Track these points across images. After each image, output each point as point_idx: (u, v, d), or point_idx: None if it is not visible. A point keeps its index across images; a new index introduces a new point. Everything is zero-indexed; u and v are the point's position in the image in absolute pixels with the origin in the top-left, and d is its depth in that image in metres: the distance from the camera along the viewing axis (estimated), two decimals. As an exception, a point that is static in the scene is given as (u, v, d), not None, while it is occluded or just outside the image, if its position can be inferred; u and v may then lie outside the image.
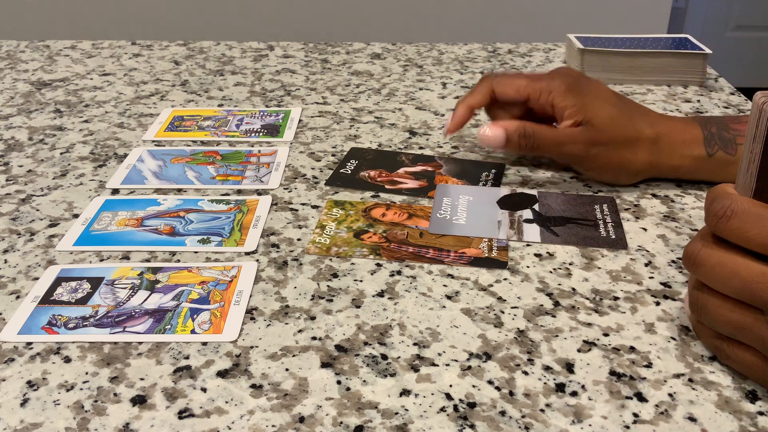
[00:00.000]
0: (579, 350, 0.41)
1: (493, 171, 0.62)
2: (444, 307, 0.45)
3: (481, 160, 0.64)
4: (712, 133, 0.56)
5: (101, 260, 0.50)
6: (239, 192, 0.59)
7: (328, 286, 0.47)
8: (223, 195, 0.58)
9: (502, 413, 0.37)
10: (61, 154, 0.65)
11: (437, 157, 0.64)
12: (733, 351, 0.38)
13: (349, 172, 0.61)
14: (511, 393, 0.38)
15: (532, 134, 0.55)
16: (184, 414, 0.37)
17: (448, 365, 0.40)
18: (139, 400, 0.38)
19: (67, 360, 0.41)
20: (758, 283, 0.35)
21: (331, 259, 0.50)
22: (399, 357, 0.41)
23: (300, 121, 0.72)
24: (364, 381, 0.39)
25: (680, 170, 0.58)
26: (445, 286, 0.47)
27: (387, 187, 0.59)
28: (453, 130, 0.61)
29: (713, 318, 0.38)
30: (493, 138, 0.56)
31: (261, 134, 0.69)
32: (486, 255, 0.50)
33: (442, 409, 0.37)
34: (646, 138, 0.56)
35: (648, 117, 0.57)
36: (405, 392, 0.38)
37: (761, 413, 0.37)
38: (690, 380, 0.39)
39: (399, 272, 0.48)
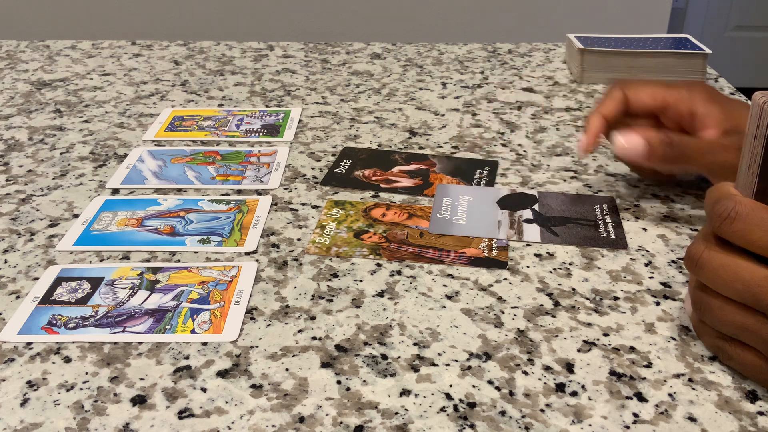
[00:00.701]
0: (579, 350, 0.41)
1: (487, 169, 0.62)
2: (444, 307, 0.45)
3: (475, 158, 0.64)
4: None
5: (101, 260, 0.50)
6: (239, 192, 0.59)
7: (328, 286, 0.47)
8: (223, 195, 0.58)
9: (502, 413, 0.37)
10: (61, 154, 0.65)
11: (431, 156, 0.64)
12: (735, 351, 0.38)
13: (344, 171, 0.62)
14: (511, 393, 0.38)
15: (679, 143, 0.50)
16: (184, 414, 0.37)
17: (448, 365, 0.40)
18: (139, 400, 0.38)
19: (67, 360, 0.41)
20: (761, 287, 0.35)
21: (331, 259, 0.50)
22: (399, 357, 0.41)
23: (300, 121, 0.72)
24: (364, 381, 0.39)
25: None
26: (445, 286, 0.47)
27: (382, 186, 0.59)
28: (591, 145, 0.54)
29: (716, 318, 0.38)
30: (634, 148, 0.50)
31: (261, 134, 0.69)
32: (486, 255, 0.50)
33: (442, 409, 0.37)
34: None
35: None
36: (405, 392, 0.38)
37: (761, 413, 0.37)
38: (690, 380, 0.39)
39: (399, 272, 0.48)
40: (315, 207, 0.56)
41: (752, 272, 0.35)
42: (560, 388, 0.39)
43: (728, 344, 0.39)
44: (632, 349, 0.41)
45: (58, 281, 0.47)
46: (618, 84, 0.56)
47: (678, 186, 0.59)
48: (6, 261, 0.50)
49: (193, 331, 0.42)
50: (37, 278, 0.48)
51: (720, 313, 0.38)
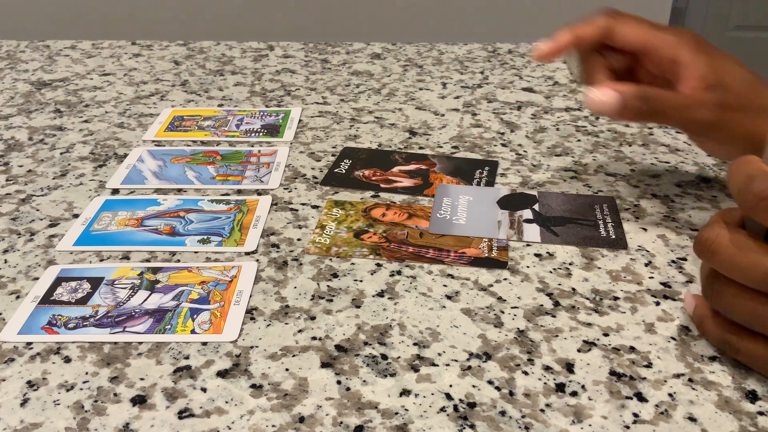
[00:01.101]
0: (579, 350, 0.41)
1: (487, 169, 0.62)
2: (444, 307, 0.45)
3: (475, 158, 0.64)
4: None
5: (101, 260, 0.50)
6: (239, 192, 0.59)
7: (328, 286, 0.47)
8: (223, 195, 0.58)
9: (502, 413, 0.37)
10: (61, 154, 0.65)
11: (431, 156, 0.64)
12: (743, 344, 0.38)
13: (344, 171, 0.62)
14: (511, 393, 0.38)
15: (655, 97, 0.47)
16: (184, 414, 0.37)
17: (448, 365, 0.40)
18: (139, 400, 0.38)
19: (67, 360, 0.41)
20: None
21: (331, 259, 0.50)
22: (399, 357, 0.41)
23: (300, 121, 0.72)
24: (364, 381, 0.39)
25: None
26: (445, 286, 0.47)
27: (382, 186, 0.59)
28: (549, 55, 0.50)
29: (729, 305, 0.37)
30: (607, 103, 0.47)
31: (261, 134, 0.69)
32: (486, 255, 0.50)
33: (442, 409, 0.37)
34: None
35: None
36: (405, 392, 0.38)
37: (761, 413, 0.37)
38: (690, 380, 0.39)
39: (399, 272, 0.48)
40: (315, 207, 0.56)
41: None
42: (560, 388, 0.39)
43: (736, 337, 0.38)
44: (632, 349, 0.41)
45: (58, 281, 0.47)
46: (607, 12, 0.52)
47: (678, 186, 0.59)
48: (6, 261, 0.50)
49: (193, 331, 0.42)
50: (37, 278, 0.48)
51: (734, 300, 0.37)
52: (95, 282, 0.47)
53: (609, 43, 0.51)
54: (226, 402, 0.38)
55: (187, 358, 0.41)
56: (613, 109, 0.47)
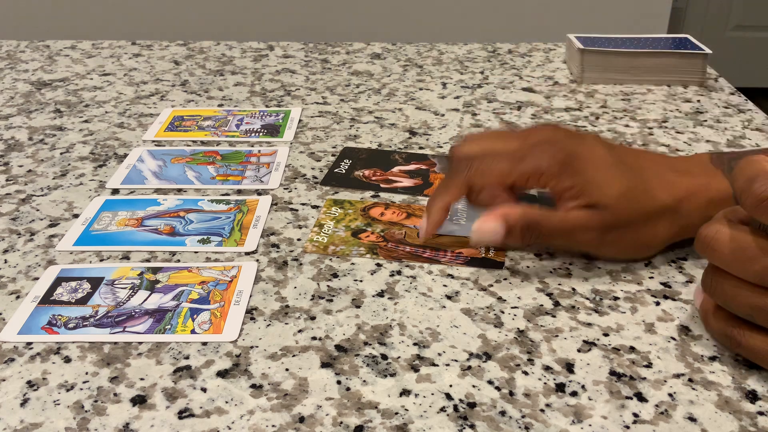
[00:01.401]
0: (579, 350, 0.41)
1: None
2: (444, 307, 0.45)
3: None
4: None
5: (101, 260, 0.50)
6: (239, 192, 0.59)
7: (328, 286, 0.47)
8: (223, 195, 0.58)
9: (502, 413, 0.37)
10: (61, 154, 0.65)
11: (431, 156, 0.64)
12: (745, 338, 0.38)
13: (344, 171, 0.62)
14: (511, 393, 0.38)
15: (536, 224, 0.46)
16: (184, 414, 0.37)
17: (448, 365, 0.40)
18: (139, 400, 0.38)
19: (67, 360, 0.41)
20: None
21: (331, 259, 0.50)
22: (399, 357, 0.41)
23: (300, 121, 0.72)
24: (364, 381, 0.39)
25: None
26: (445, 286, 0.47)
27: (382, 186, 0.59)
28: (431, 233, 0.50)
29: (729, 299, 0.38)
30: (491, 232, 0.46)
31: (261, 134, 0.69)
32: (483, 255, 0.50)
33: (442, 409, 0.37)
34: (666, 208, 0.47)
35: (663, 179, 0.48)
36: (405, 392, 0.38)
37: (761, 413, 0.37)
38: (690, 380, 0.39)
39: (399, 272, 0.48)
40: (315, 207, 0.56)
41: None
42: (560, 388, 0.39)
43: (738, 331, 0.38)
44: (632, 349, 0.41)
45: (58, 281, 0.47)
46: (461, 167, 0.49)
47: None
48: (6, 261, 0.50)
49: (193, 331, 0.42)
50: (37, 278, 0.48)
51: (735, 293, 0.37)
52: (95, 282, 0.47)
53: (476, 198, 0.49)
54: (226, 402, 0.38)
55: (187, 358, 0.41)
56: (497, 239, 0.46)
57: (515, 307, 0.45)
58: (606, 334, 0.43)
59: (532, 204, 0.47)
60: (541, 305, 0.45)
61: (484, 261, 0.49)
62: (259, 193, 0.59)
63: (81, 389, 0.38)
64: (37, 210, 0.56)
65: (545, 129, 0.50)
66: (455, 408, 0.37)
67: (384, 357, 0.41)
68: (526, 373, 0.40)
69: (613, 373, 0.40)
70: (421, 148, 0.66)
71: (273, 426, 0.36)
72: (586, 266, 0.49)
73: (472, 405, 0.38)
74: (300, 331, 0.43)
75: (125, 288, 0.46)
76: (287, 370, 0.40)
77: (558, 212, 0.47)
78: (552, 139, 0.48)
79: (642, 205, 0.46)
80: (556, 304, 0.45)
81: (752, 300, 0.37)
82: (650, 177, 0.48)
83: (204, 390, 0.38)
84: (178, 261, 0.49)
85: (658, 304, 0.45)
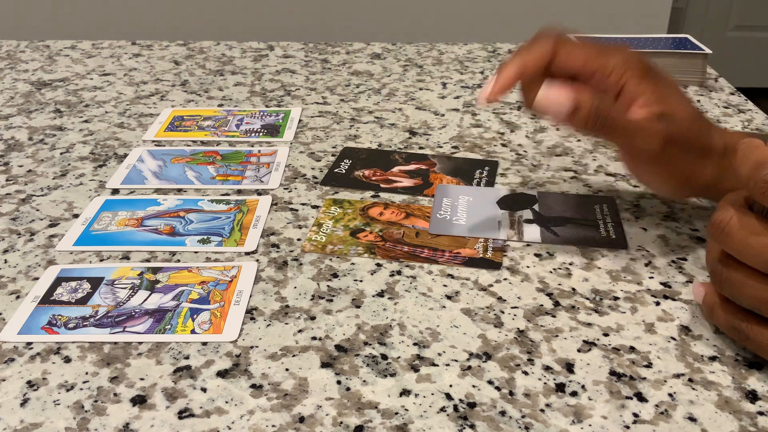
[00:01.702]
0: (579, 350, 0.41)
1: (487, 169, 0.62)
2: (444, 307, 0.45)
3: (475, 158, 0.64)
4: None
5: (101, 260, 0.50)
6: (239, 192, 0.59)
7: (328, 286, 0.47)
8: (223, 195, 0.58)
9: (502, 413, 0.37)
10: (61, 154, 0.65)
11: (431, 156, 0.64)
12: (752, 331, 0.38)
13: (344, 171, 0.62)
14: (511, 393, 0.38)
15: (606, 112, 0.44)
16: (184, 414, 0.37)
17: (448, 365, 0.40)
18: (139, 400, 0.38)
19: (67, 360, 0.41)
20: None
21: (331, 259, 0.50)
22: (399, 357, 0.41)
23: (300, 121, 0.72)
24: (364, 381, 0.39)
25: None
26: (445, 286, 0.47)
27: (382, 186, 0.59)
28: (498, 94, 0.47)
29: (738, 291, 0.38)
30: (559, 103, 0.43)
31: (261, 134, 0.69)
32: (481, 255, 0.50)
33: (442, 409, 0.37)
34: (717, 150, 0.47)
35: (715, 126, 0.49)
36: (405, 392, 0.38)
37: (761, 413, 0.37)
38: (690, 380, 0.39)
39: (399, 272, 0.48)
40: (315, 207, 0.56)
41: None
42: (560, 388, 0.39)
43: (746, 324, 0.38)
44: (632, 349, 0.41)
45: (58, 281, 0.47)
46: (550, 35, 0.48)
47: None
48: (6, 261, 0.50)
49: (193, 331, 0.42)
50: (37, 278, 0.48)
51: (744, 285, 0.37)
52: (95, 282, 0.47)
53: (553, 68, 0.48)
54: (226, 402, 0.38)
55: (187, 358, 0.41)
56: (562, 112, 0.44)
57: (515, 307, 0.45)
58: (606, 334, 0.43)
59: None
60: (541, 305, 0.45)
61: (483, 261, 0.49)
62: (259, 193, 0.58)
63: (81, 389, 0.38)
64: (37, 210, 0.56)
65: (626, 48, 0.49)
66: (455, 408, 0.37)
67: (384, 357, 0.41)
68: (526, 373, 0.40)
69: (613, 373, 0.40)
70: (421, 148, 0.66)
71: (273, 426, 0.36)
72: (586, 266, 0.49)
73: (472, 405, 0.38)
74: (300, 331, 0.43)
75: (125, 288, 0.46)
76: (287, 370, 0.40)
77: (628, 111, 0.46)
78: (634, 52, 0.48)
79: (703, 137, 0.47)
80: (556, 304, 0.45)
81: (761, 292, 0.36)
82: (707, 119, 0.49)
83: (204, 390, 0.38)
84: (178, 261, 0.49)
85: (658, 304, 0.45)
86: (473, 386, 0.39)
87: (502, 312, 0.44)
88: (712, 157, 0.47)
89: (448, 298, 0.46)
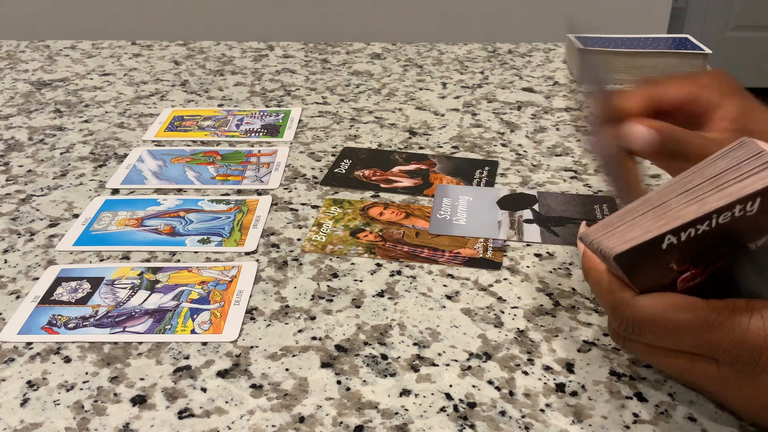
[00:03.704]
0: (579, 350, 0.41)
1: (487, 169, 0.62)
2: (444, 307, 0.45)
3: (475, 158, 0.64)
4: None
5: (101, 260, 0.50)
6: (239, 192, 0.59)
7: (328, 286, 0.47)
8: (223, 195, 0.58)
9: (502, 413, 0.37)
10: (61, 154, 0.65)
11: (431, 156, 0.64)
12: (627, 343, 0.38)
13: (344, 171, 0.62)
14: (511, 393, 0.38)
15: (680, 139, 0.43)
16: (184, 414, 0.37)
17: (448, 365, 0.40)
18: (139, 400, 0.38)
19: (67, 360, 0.41)
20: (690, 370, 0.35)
21: (331, 259, 0.50)
22: (399, 357, 0.41)
23: (300, 121, 0.72)
24: (364, 381, 0.39)
25: None
26: (445, 286, 0.47)
27: (382, 186, 0.59)
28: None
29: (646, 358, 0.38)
30: (646, 140, 0.44)
31: (261, 134, 0.69)
32: (480, 255, 0.50)
33: (442, 409, 0.37)
34: None
35: None
36: (405, 392, 0.38)
37: (761, 413, 0.37)
38: (690, 380, 0.39)
39: (399, 272, 0.48)
40: (315, 207, 0.56)
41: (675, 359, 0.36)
42: (560, 388, 0.39)
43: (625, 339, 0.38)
44: (632, 349, 0.41)
45: (58, 281, 0.47)
46: (642, 83, 0.48)
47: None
48: (6, 261, 0.50)
49: (193, 331, 0.42)
50: (37, 278, 0.48)
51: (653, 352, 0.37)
52: (95, 282, 0.47)
53: (659, 108, 0.47)
54: (226, 402, 0.38)
55: (187, 358, 0.41)
56: (650, 142, 0.44)
57: (515, 307, 0.45)
58: (606, 334, 0.43)
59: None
60: (541, 305, 0.45)
61: (483, 261, 0.49)
62: (259, 193, 0.58)
63: (81, 389, 0.38)
64: (37, 210, 0.56)
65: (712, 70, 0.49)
66: (455, 408, 0.37)
67: (384, 357, 0.41)
68: (526, 373, 0.40)
69: (613, 373, 0.40)
70: (421, 148, 0.66)
71: (273, 426, 0.36)
72: (586, 266, 0.49)
73: (472, 405, 0.38)
74: (300, 331, 0.43)
75: (125, 288, 0.46)
76: (287, 370, 0.40)
77: (705, 135, 0.45)
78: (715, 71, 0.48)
79: None
80: (556, 304, 0.45)
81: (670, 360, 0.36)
82: None
83: (204, 390, 0.38)
84: (178, 261, 0.49)
85: (658, 304, 0.45)
86: (473, 386, 0.39)
87: (502, 312, 0.44)
88: None
89: (448, 298, 0.46)
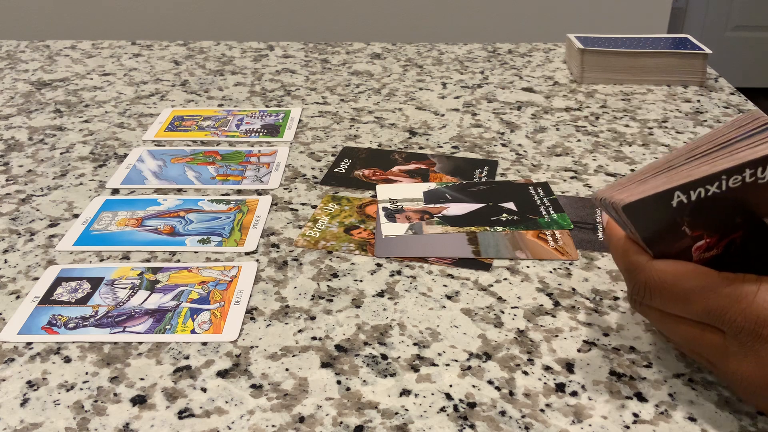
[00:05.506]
0: (579, 350, 0.41)
1: (487, 168, 0.62)
2: (444, 307, 0.45)
3: (475, 158, 0.64)
4: None
5: (101, 260, 0.50)
6: (239, 192, 0.59)
7: (328, 286, 0.47)
8: (223, 195, 0.58)
9: (502, 413, 0.37)
10: (61, 154, 0.65)
11: (431, 156, 0.64)
12: (642, 308, 0.38)
13: (344, 171, 0.62)
14: (511, 393, 0.38)
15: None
16: (184, 414, 0.37)
17: (448, 365, 0.40)
18: (139, 400, 0.38)
19: (67, 360, 0.41)
20: (696, 341, 0.36)
21: (331, 259, 0.50)
22: (399, 357, 0.41)
23: (300, 121, 0.72)
24: (364, 381, 0.39)
25: None
26: (445, 286, 0.47)
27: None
28: None
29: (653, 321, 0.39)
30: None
31: (261, 134, 0.69)
32: (471, 256, 0.50)
33: (442, 409, 0.37)
34: None
35: None
36: (405, 392, 0.38)
37: (761, 413, 0.37)
38: (690, 380, 0.39)
39: (399, 272, 0.48)
40: (315, 207, 0.56)
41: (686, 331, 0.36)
42: (560, 388, 0.39)
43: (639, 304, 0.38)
44: (632, 349, 0.41)
45: (58, 281, 0.47)
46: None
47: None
48: (6, 261, 0.50)
49: (193, 331, 0.42)
50: (37, 278, 0.48)
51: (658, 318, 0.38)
52: (95, 282, 0.47)
53: None
54: (226, 402, 0.38)
55: (187, 358, 0.41)
56: None
57: (515, 307, 0.45)
58: (606, 334, 0.43)
59: None
60: (541, 305, 0.45)
61: (472, 262, 0.49)
62: (259, 193, 0.58)
63: (81, 389, 0.38)
64: (37, 210, 0.56)
65: None
66: (455, 408, 0.37)
67: (384, 357, 0.41)
68: (526, 373, 0.40)
69: (613, 373, 0.40)
70: (421, 148, 0.66)
71: (273, 426, 0.36)
72: (586, 266, 0.49)
73: (472, 405, 0.38)
74: (300, 331, 0.43)
75: (125, 288, 0.46)
76: (287, 370, 0.40)
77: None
78: None
79: None
80: (556, 304, 0.45)
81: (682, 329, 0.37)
82: None
83: (204, 390, 0.38)
84: (178, 261, 0.49)
85: (658, 304, 0.45)
86: (473, 386, 0.39)
87: (502, 312, 0.44)
88: None
89: (448, 298, 0.46)
